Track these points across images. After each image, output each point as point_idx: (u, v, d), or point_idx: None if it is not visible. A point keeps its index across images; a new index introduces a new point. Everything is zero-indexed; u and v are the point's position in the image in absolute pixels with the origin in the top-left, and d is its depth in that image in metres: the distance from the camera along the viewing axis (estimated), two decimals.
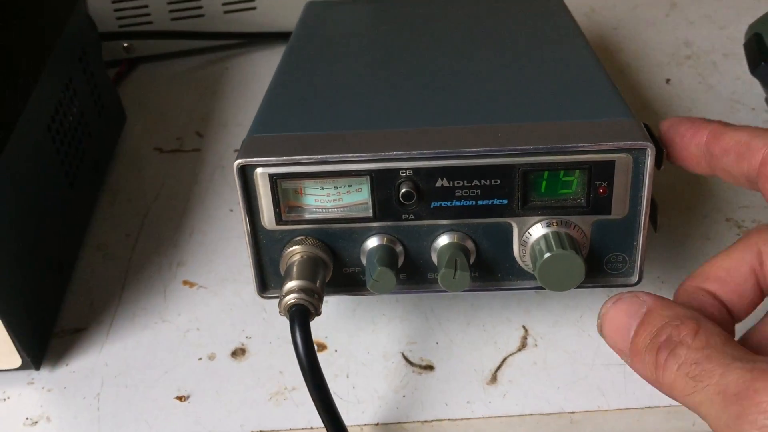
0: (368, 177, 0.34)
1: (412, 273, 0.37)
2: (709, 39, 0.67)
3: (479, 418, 0.38)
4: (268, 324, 0.43)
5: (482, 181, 0.34)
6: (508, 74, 0.41)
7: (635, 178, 0.33)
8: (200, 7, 0.68)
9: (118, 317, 0.44)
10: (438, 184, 0.34)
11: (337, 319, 0.43)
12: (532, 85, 0.39)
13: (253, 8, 0.69)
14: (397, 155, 0.33)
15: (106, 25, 0.66)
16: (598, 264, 0.36)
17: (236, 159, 0.34)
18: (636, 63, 0.64)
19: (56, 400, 0.40)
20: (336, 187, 0.34)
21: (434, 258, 0.36)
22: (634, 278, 0.36)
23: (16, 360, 0.40)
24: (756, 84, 0.57)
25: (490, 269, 0.37)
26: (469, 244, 0.36)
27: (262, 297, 0.38)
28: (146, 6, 0.67)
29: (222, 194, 0.54)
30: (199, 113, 0.63)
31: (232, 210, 0.52)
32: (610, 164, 0.33)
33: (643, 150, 0.33)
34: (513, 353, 0.41)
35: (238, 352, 0.42)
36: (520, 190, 0.34)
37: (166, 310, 0.45)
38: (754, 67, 0.51)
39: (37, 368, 0.41)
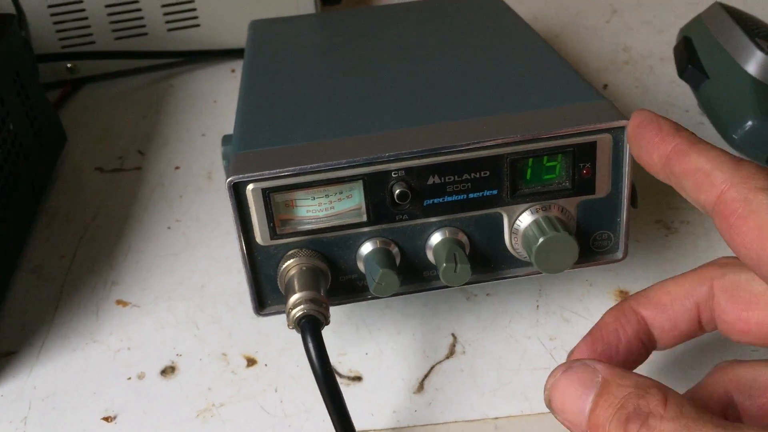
0: (361, 181, 0.34)
1: (408, 273, 0.37)
2: (647, 44, 0.68)
3: (404, 427, 0.38)
4: (200, 340, 0.43)
5: (472, 174, 0.35)
6: (476, 71, 0.42)
7: (615, 156, 0.35)
8: (143, 26, 0.68)
9: (50, 339, 0.44)
10: (430, 181, 0.35)
11: (268, 334, 0.43)
12: (502, 78, 0.40)
13: (197, 26, 0.69)
14: (388, 156, 0.34)
15: (48, 47, 0.66)
16: (586, 243, 0.37)
17: (227, 177, 0.33)
18: (576, 69, 0.65)
19: None
20: (327, 196, 0.35)
21: (430, 256, 0.36)
22: (620, 254, 0.37)
23: None
24: None
25: (484, 260, 0.37)
26: (463, 238, 0.36)
27: (260, 315, 0.37)
28: (88, 26, 0.67)
29: (161, 212, 0.53)
30: (141, 131, 0.63)
31: (169, 228, 0.52)
32: (592, 145, 0.34)
33: (622, 129, 0.34)
34: (441, 361, 0.41)
35: (168, 370, 0.42)
36: (508, 180, 0.35)
37: (98, 330, 0.45)
38: (682, 71, 0.52)
39: None
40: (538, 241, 0.34)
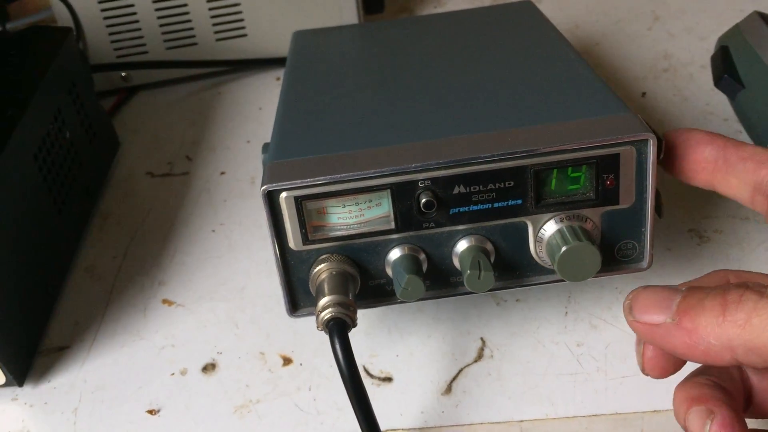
0: (389, 190, 0.36)
1: (435, 279, 0.39)
2: (689, 51, 0.68)
3: (432, 427, 0.39)
4: (239, 339, 0.45)
5: (497, 184, 0.36)
6: (505, 82, 0.43)
7: (639, 167, 0.36)
8: (193, 36, 0.70)
9: (100, 335, 0.47)
10: (456, 191, 0.36)
11: (304, 334, 0.45)
12: (530, 90, 0.41)
13: (244, 35, 0.71)
14: (415, 167, 0.35)
15: (103, 56, 0.70)
16: (610, 252, 0.38)
17: (261, 186, 0.35)
18: (614, 77, 0.65)
19: (37, 415, 0.42)
20: (357, 204, 0.36)
21: (456, 262, 0.38)
22: (645, 263, 0.38)
23: (0, 378, 0.42)
24: None
25: (509, 268, 0.38)
26: (488, 246, 0.37)
27: (293, 316, 0.39)
28: (142, 37, 0.70)
29: (206, 216, 0.56)
30: (190, 138, 0.65)
31: (214, 231, 0.54)
32: (615, 157, 0.35)
33: (645, 141, 0.35)
34: (469, 364, 0.42)
35: (209, 367, 0.44)
36: (533, 190, 0.36)
37: (145, 327, 0.47)
38: (718, 80, 0.52)
39: (21, 385, 0.44)
40: (561, 249, 0.35)
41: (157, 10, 0.69)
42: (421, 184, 0.36)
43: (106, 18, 0.68)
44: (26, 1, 0.81)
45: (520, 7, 0.57)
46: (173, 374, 0.44)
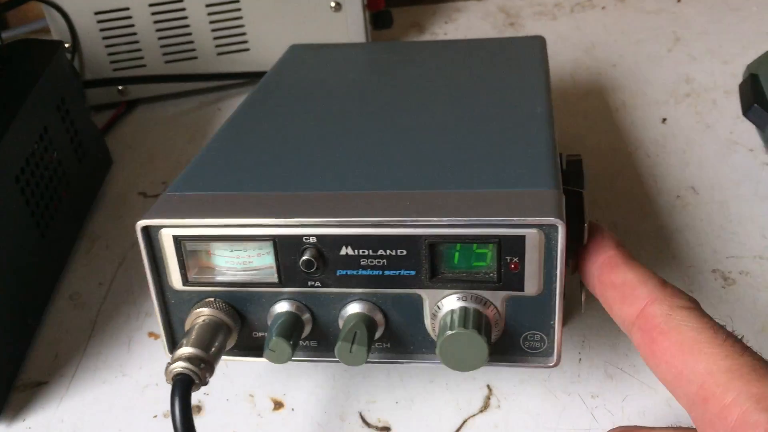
0: (272, 243, 0.33)
1: (321, 340, 0.36)
2: (712, 75, 0.64)
3: None
4: (228, 380, 0.42)
5: (388, 251, 0.32)
6: (448, 136, 0.39)
7: (548, 254, 0.31)
8: (193, 50, 0.68)
9: (81, 370, 0.44)
10: (343, 252, 0.33)
11: (298, 376, 0.42)
12: (468, 149, 0.37)
13: (246, 50, 0.69)
14: (300, 221, 0.32)
15: (100, 70, 0.67)
16: (516, 342, 0.34)
17: (141, 219, 0.33)
18: (633, 101, 0.62)
19: None
20: (245, 250, 0.33)
21: (341, 327, 0.35)
22: (553, 360, 0.34)
23: None
24: None
25: (402, 341, 0.35)
26: (378, 316, 0.34)
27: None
28: (139, 50, 0.67)
29: None
30: (187, 156, 0.63)
31: None
32: (521, 239, 0.31)
33: (554, 226, 0.30)
34: (474, 414, 0.39)
35: (194, 410, 0.41)
36: (427, 262, 0.32)
37: (129, 363, 0.44)
38: (747, 109, 0.49)
39: None
40: (444, 334, 0.31)
41: (156, 22, 0.66)
42: (306, 240, 0.33)
43: (102, 30, 0.66)
44: (26, 9, 0.79)
45: (526, 44, 0.53)
46: (156, 416, 0.41)
